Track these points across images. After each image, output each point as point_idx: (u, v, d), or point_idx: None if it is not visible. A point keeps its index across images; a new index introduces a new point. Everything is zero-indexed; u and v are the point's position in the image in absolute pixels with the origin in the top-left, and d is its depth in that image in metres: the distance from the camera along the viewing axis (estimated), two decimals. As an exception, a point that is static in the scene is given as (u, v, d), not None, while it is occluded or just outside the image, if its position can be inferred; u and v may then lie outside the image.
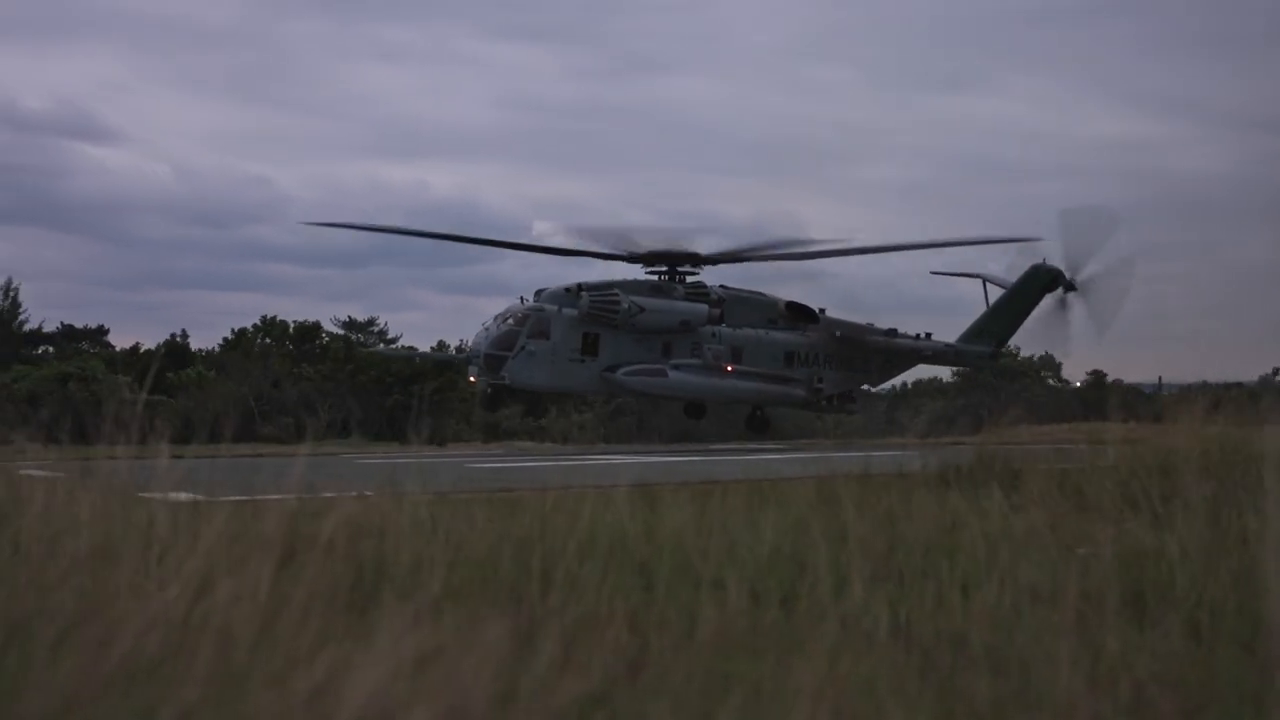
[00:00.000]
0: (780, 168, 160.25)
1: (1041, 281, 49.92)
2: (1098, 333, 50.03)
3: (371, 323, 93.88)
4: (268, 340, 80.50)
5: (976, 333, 50.82)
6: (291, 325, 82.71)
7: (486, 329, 43.04)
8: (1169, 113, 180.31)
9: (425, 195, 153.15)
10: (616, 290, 43.30)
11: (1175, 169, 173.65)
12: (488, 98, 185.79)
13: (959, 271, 54.67)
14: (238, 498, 7.41)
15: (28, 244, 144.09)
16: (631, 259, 44.54)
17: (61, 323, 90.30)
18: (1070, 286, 49.43)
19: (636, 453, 39.64)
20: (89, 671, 4.36)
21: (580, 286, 43.34)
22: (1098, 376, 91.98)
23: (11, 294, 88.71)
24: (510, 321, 42.76)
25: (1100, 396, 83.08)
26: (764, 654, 5.33)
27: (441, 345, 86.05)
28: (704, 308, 44.51)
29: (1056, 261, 49.65)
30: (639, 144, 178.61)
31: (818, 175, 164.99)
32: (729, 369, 44.89)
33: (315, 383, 72.68)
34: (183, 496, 8.12)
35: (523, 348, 42.17)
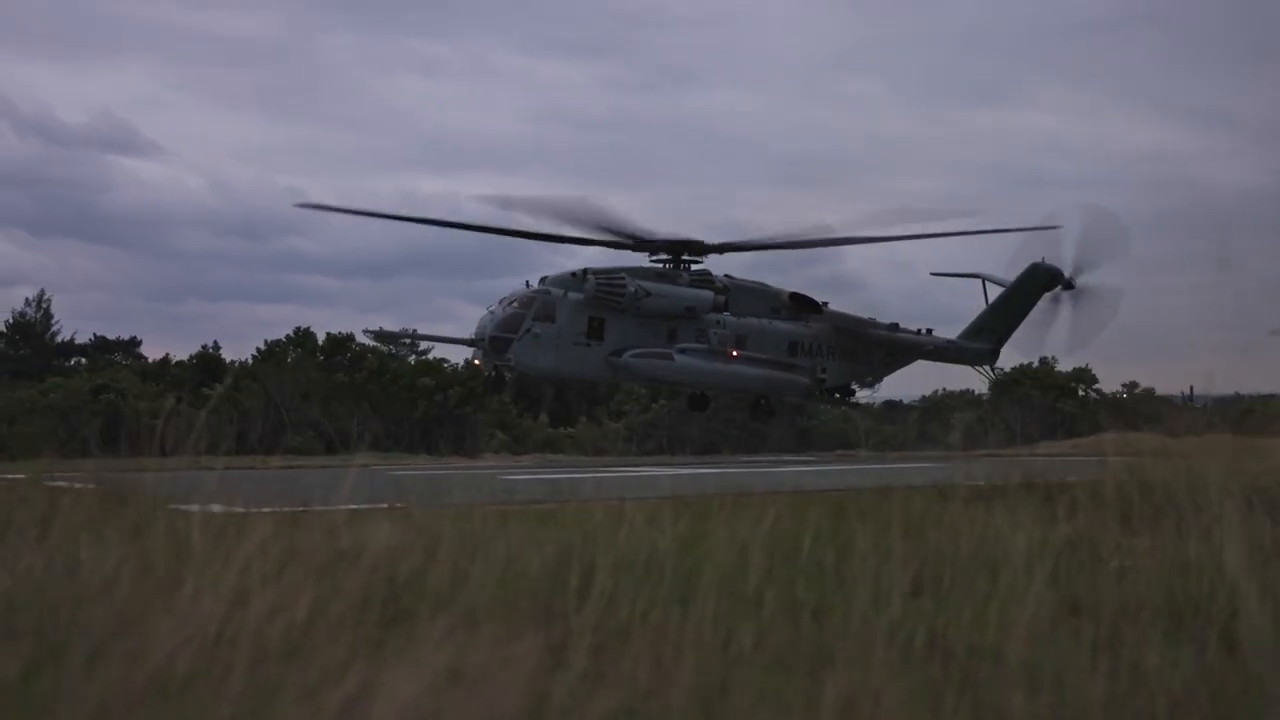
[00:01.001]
0: (812, 179, 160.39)
1: (1040, 280, 49.92)
2: (1072, 345, 50.29)
3: (403, 334, 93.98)
4: (300, 351, 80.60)
5: (976, 330, 50.76)
6: (325, 335, 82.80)
7: (492, 312, 42.66)
8: (1199, 125, 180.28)
9: (459, 210, 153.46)
10: (623, 274, 43.11)
11: (1205, 180, 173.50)
12: (523, 111, 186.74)
13: (959, 272, 54.60)
14: (271, 510, 7.41)
15: (65, 256, 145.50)
16: (638, 247, 44.28)
17: (94, 334, 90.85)
18: (1068, 285, 49.44)
19: (668, 464, 39.56)
20: (122, 686, 4.36)
21: (586, 270, 43.15)
22: (1131, 388, 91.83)
23: (43, 306, 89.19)
24: (515, 305, 42.36)
25: (1134, 408, 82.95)
26: (798, 667, 5.31)
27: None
28: (709, 294, 44.30)
29: (1066, 257, 49.56)
30: (673, 156, 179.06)
31: (849, 187, 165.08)
32: (734, 354, 44.68)
33: (349, 393, 72.84)
34: (215, 509, 8.12)
35: (528, 330, 41.68)
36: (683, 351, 43.62)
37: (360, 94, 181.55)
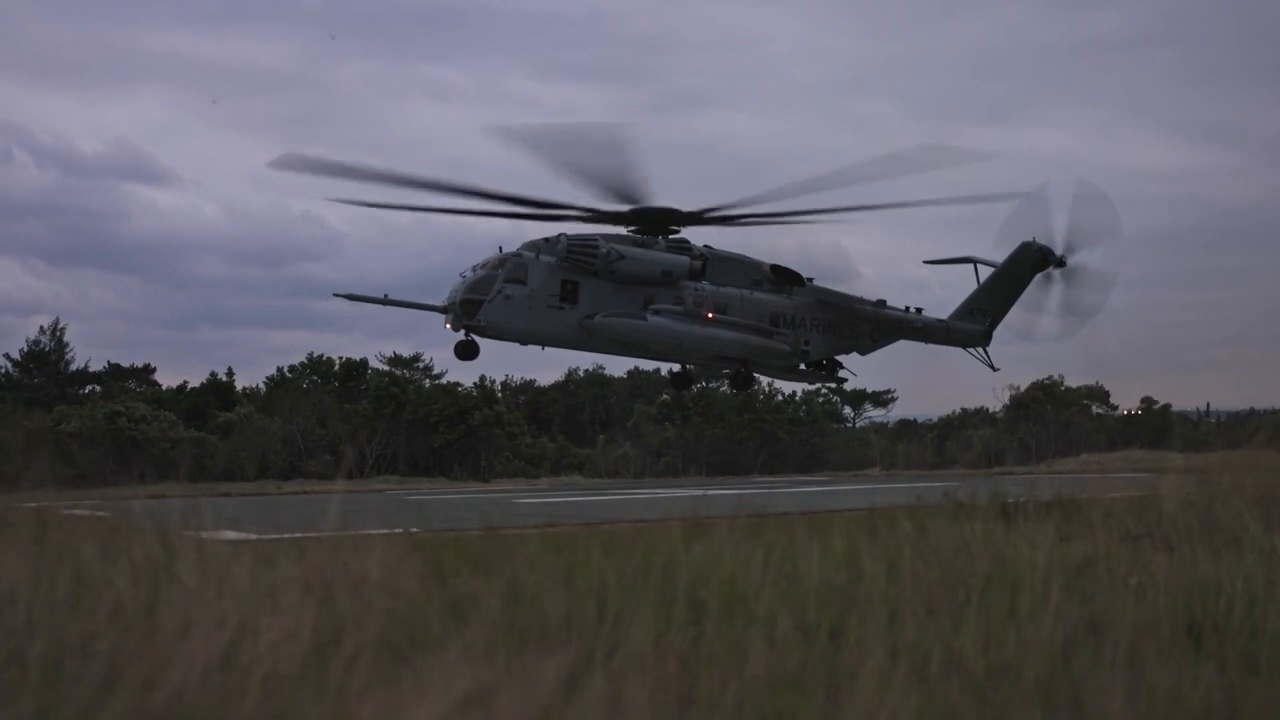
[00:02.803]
0: (825, 199, 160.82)
1: (1031, 259, 49.21)
2: (1074, 322, 49.38)
3: (417, 358, 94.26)
4: (315, 378, 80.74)
5: (968, 310, 49.98)
6: (338, 362, 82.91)
7: (464, 277, 42.16)
8: (1210, 142, 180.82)
9: (474, 231, 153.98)
10: (597, 237, 42.65)
11: (1217, 197, 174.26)
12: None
13: (952, 258, 53.92)
14: (285, 535, 7.39)
15: (81, 284, 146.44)
16: (614, 219, 43.73)
17: (108, 362, 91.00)
18: (1060, 262, 48.82)
19: (682, 486, 39.47)
20: (135, 714, 4.35)
21: (560, 235, 42.68)
22: (1148, 404, 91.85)
23: (57, 334, 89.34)
24: (487, 268, 41.82)
25: (1149, 425, 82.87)
26: (813, 688, 5.28)
27: (483, 379, 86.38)
28: (685, 259, 43.58)
29: (1057, 234, 48.92)
30: (686, 178, 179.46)
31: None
32: (711, 316, 43.97)
33: (363, 419, 72.93)
34: (230, 535, 8.11)
35: (499, 292, 41.10)
36: (657, 313, 42.99)
37: (374, 120, 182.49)
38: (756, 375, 49.26)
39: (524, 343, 43.26)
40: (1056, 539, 9.08)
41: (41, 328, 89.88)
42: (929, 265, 54.28)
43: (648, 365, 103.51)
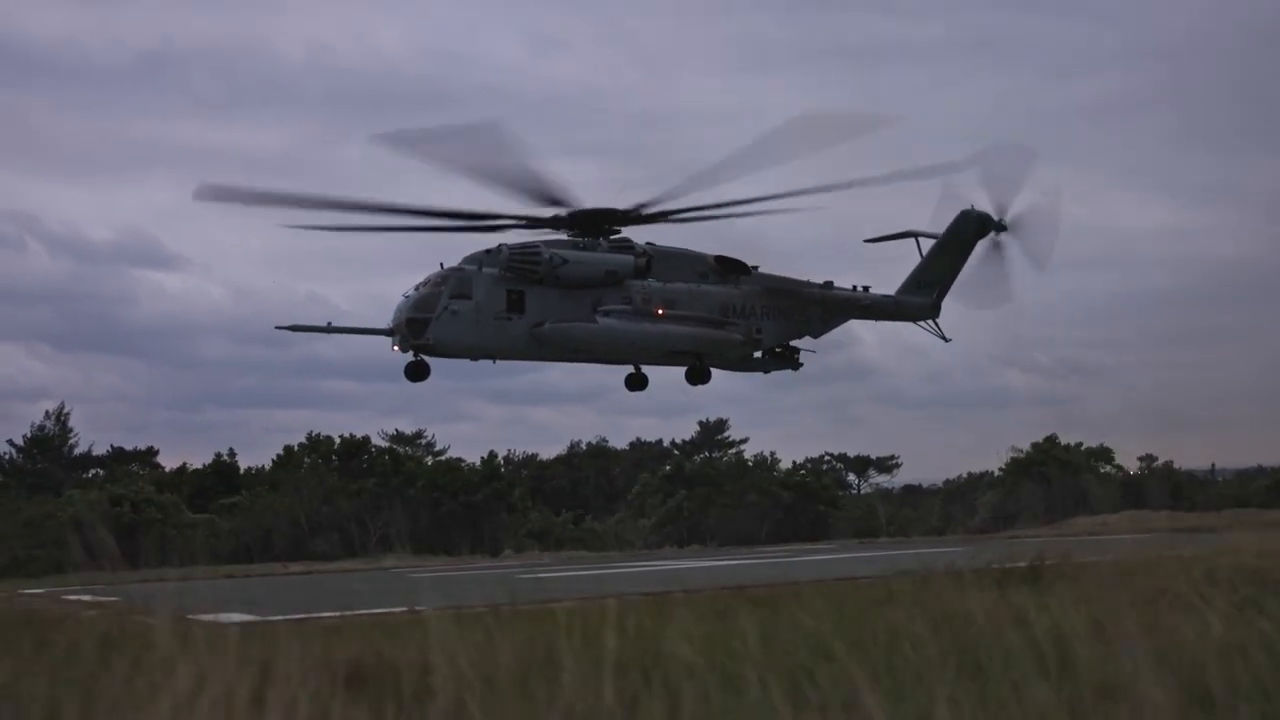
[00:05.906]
0: (827, 268, 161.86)
1: (971, 227, 48.97)
2: (1037, 267, 49.01)
3: (419, 435, 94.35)
4: (317, 457, 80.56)
5: (914, 284, 49.60)
6: (338, 440, 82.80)
7: (407, 297, 41.48)
8: (1204, 202, 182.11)
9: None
10: (538, 244, 42.13)
11: (1215, 255, 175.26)
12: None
13: (892, 234, 53.49)
14: (289, 617, 7.35)
15: (88, 369, 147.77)
16: (555, 224, 43.23)
17: (111, 445, 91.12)
18: (1001, 227, 48.64)
19: (690, 557, 39.34)
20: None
21: (501, 245, 42.06)
22: (1149, 462, 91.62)
23: (61, 419, 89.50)
24: (429, 285, 41.13)
25: (1154, 486, 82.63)
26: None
27: (491, 455, 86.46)
28: (629, 258, 42.94)
29: (982, 204, 48.73)
30: (689, 238, 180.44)
31: (864, 273, 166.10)
32: (661, 312, 43.47)
33: (366, 498, 72.84)
34: (235, 618, 8.06)
35: (445, 308, 40.35)
36: (606, 314, 42.48)
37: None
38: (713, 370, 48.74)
39: (474, 357, 42.60)
40: (1062, 603, 9.04)
41: (46, 412, 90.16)
42: (870, 244, 53.73)
43: (650, 435, 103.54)
